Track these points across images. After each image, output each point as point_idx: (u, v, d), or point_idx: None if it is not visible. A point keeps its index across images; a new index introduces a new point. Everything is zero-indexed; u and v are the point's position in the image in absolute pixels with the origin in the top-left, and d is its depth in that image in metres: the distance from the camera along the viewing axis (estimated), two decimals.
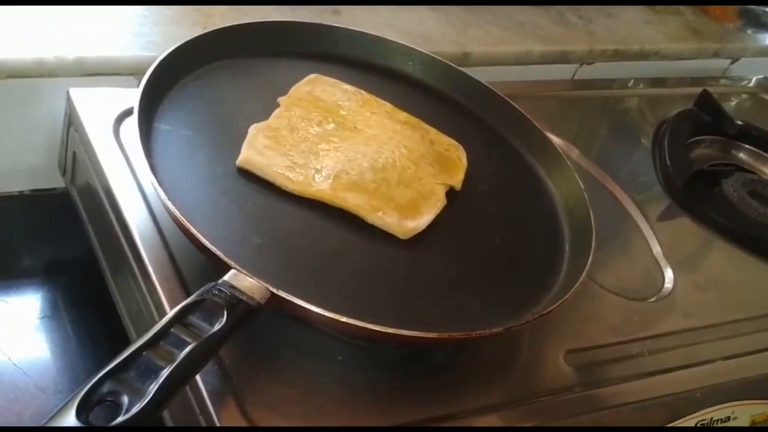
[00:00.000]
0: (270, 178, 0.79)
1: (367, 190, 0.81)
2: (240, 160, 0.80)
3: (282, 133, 0.83)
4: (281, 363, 0.72)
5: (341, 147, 0.84)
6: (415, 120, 0.91)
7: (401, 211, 0.81)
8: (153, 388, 0.56)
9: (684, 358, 0.87)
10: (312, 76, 0.92)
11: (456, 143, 0.91)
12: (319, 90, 0.90)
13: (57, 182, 0.97)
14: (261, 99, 0.88)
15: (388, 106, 0.92)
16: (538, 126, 0.97)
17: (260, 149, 0.81)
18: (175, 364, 0.57)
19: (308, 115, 0.86)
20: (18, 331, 0.88)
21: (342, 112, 0.88)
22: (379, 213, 0.80)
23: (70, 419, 0.52)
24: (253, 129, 0.83)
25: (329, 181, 0.80)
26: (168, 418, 0.73)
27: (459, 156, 0.90)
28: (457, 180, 0.87)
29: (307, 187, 0.79)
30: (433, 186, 0.85)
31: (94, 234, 0.88)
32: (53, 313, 0.91)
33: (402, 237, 0.80)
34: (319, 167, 0.81)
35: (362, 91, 0.92)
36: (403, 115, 0.91)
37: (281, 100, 0.88)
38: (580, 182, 0.90)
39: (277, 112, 0.86)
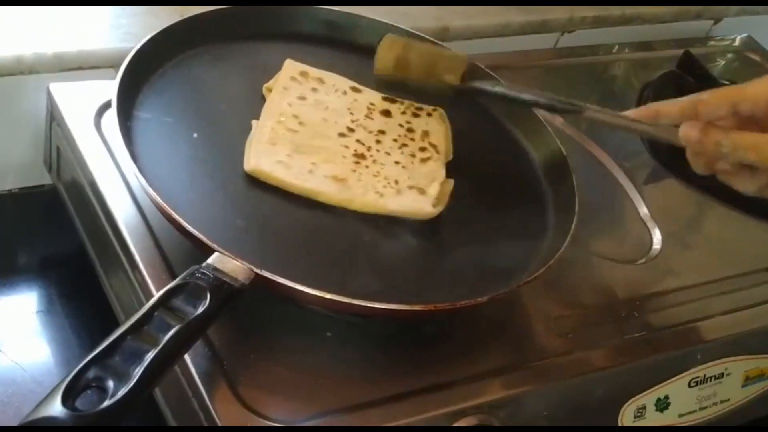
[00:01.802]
0: (288, 188, 0.79)
1: (377, 187, 0.81)
2: (251, 171, 0.79)
3: (281, 133, 0.82)
4: (271, 343, 0.73)
5: (336, 149, 0.84)
6: (390, 101, 0.91)
7: (414, 198, 0.81)
8: (138, 371, 0.56)
9: (674, 317, 0.87)
10: (287, 62, 0.91)
11: (434, 108, 0.92)
12: (296, 85, 0.89)
13: (45, 179, 0.97)
14: (241, 82, 0.89)
15: (369, 92, 0.92)
16: None
17: (271, 163, 0.80)
18: (159, 347, 0.58)
19: (301, 114, 0.85)
20: (14, 327, 0.88)
21: (323, 109, 0.87)
22: (393, 206, 0.80)
23: (56, 406, 0.53)
24: (255, 142, 0.81)
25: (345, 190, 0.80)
26: (161, 401, 0.74)
27: (441, 120, 0.91)
28: (448, 151, 0.88)
29: (331, 198, 0.79)
30: (433, 168, 0.85)
31: (83, 227, 0.88)
32: (48, 308, 0.91)
33: (427, 218, 0.81)
34: (330, 175, 0.81)
35: (335, 76, 0.92)
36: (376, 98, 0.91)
37: (267, 96, 0.87)
38: (562, 148, 0.90)
39: (267, 114, 0.85)
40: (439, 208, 0.81)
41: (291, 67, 0.91)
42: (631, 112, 0.79)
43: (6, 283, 0.92)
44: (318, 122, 0.85)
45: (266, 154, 0.80)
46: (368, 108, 0.89)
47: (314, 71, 0.91)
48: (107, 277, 0.84)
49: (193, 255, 0.70)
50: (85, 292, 0.90)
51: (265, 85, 0.89)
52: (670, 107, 0.76)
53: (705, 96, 0.73)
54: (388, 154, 0.85)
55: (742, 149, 0.71)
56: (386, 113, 0.89)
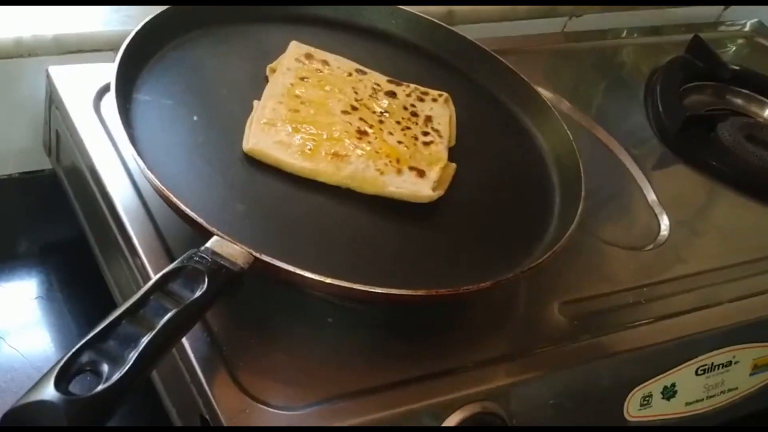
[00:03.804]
0: (287, 168, 0.78)
1: (377, 164, 0.80)
2: (249, 151, 0.78)
3: (282, 113, 0.81)
4: (271, 328, 0.72)
5: (338, 126, 0.82)
6: (396, 84, 0.90)
7: (414, 180, 0.80)
8: (133, 356, 0.55)
9: (682, 304, 0.86)
10: (292, 44, 0.90)
11: (440, 93, 0.90)
12: (300, 66, 0.88)
13: (45, 164, 0.96)
14: (242, 65, 0.88)
15: (374, 74, 0.90)
16: (525, 78, 0.95)
17: (270, 143, 0.79)
18: (155, 331, 0.57)
19: (304, 94, 0.84)
20: (13, 313, 0.88)
21: (326, 88, 0.86)
22: (392, 188, 0.79)
23: (49, 390, 0.52)
24: (255, 122, 0.80)
25: (345, 167, 0.79)
26: (159, 386, 0.73)
27: (446, 106, 0.90)
28: (451, 137, 0.87)
29: (331, 176, 0.78)
30: (436, 152, 0.84)
31: (82, 211, 0.87)
32: (47, 294, 0.90)
33: (426, 201, 0.79)
34: (331, 152, 0.79)
35: (340, 59, 0.90)
36: (381, 80, 0.90)
37: (270, 77, 0.86)
38: (568, 133, 0.89)
39: (269, 94, 0.84)
40: (439, 192, 0.80)
41: (296, 48, 0.89)
42: None
43: (5, 268, 0.91)
44: (321, 101, 0.84)
45: (266, 134, 0.79)
46: (373, 89, 0.88)
47: (319, 53, 0.90)
48: (106, 263, 0.84)
49: (193, 239, 0.69)
50: (84, 278, 0.90)
51: (269, 66, 0.87)
52: None
53: None
54: (391, 134, 0.83)
55: None
56: (391, 94, 0.88)
